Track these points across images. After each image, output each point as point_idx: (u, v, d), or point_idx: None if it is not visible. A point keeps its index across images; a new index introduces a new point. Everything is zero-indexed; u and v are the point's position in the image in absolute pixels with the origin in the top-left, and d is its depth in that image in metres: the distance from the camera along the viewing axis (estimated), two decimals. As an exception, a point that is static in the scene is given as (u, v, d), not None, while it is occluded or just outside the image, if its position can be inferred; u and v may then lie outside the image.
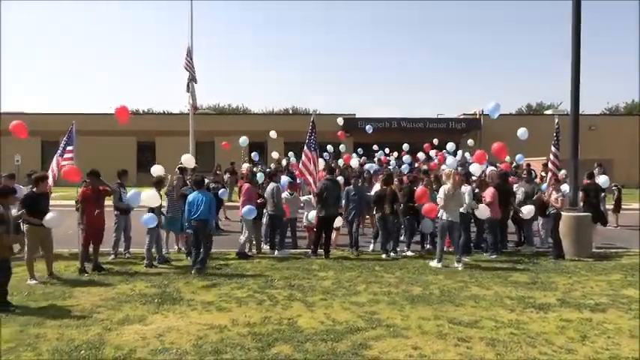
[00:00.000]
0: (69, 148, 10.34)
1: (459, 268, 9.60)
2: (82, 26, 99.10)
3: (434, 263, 9.90)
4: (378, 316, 6.66)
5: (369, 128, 23.21)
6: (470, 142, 23.50)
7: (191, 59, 17.15)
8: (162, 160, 31.24)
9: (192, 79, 17.13)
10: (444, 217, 9.97)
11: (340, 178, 13.51)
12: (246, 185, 11.26)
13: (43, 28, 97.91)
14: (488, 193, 10.85)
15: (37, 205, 8.57)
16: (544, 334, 6.06)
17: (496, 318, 6.65)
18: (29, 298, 7.54)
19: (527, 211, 11.19)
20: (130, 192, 9.73)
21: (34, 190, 8.87)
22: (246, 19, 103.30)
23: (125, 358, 5.26)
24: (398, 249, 11.09)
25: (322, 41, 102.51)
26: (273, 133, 21.56)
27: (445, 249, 10.32)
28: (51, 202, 9.23)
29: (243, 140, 18.59)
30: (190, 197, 9.61)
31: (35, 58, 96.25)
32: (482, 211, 10.56)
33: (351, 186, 11.48)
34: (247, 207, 10.43)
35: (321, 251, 10.78)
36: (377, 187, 11.63)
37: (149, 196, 9.58)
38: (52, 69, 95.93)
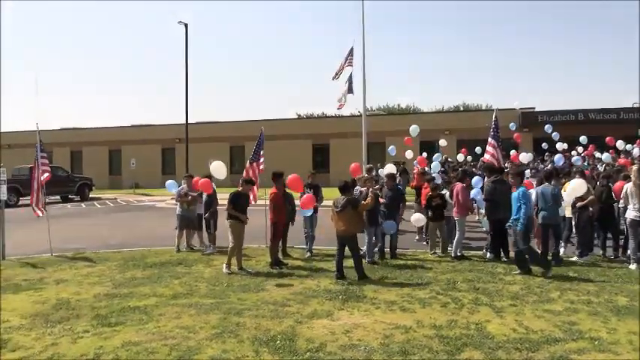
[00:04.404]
0: (261, 152, 11.27)
1: (632, 268, 9.06)
2: (256, 33, 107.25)
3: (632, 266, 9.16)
4: (579, 327, 6.04)
5: (548, 128, 21.83)
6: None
7: (347, 61, 16.56)
8: (336, 161, 32.84)
9: (336, 75, 16.45)
10: (627, 215, 9.29)
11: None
12: (459, 185, 10.69)
13: (224, 37, 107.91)
14: None
15: (239, 202, 9.65)
16: None
17: None
18: (228, 288, 8.27)
19: None
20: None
21: (239, 190, 9.98)
22: (411, 16, 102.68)
23: (317, 351, 5.46)
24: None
25: (490, 29, 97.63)
26: (443, 142, 22.03)
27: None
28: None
29: (414, 129, 18.48)
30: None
31: (227, 67, 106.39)
32: None
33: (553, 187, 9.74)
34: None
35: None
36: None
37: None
38: (241, 78, 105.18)
